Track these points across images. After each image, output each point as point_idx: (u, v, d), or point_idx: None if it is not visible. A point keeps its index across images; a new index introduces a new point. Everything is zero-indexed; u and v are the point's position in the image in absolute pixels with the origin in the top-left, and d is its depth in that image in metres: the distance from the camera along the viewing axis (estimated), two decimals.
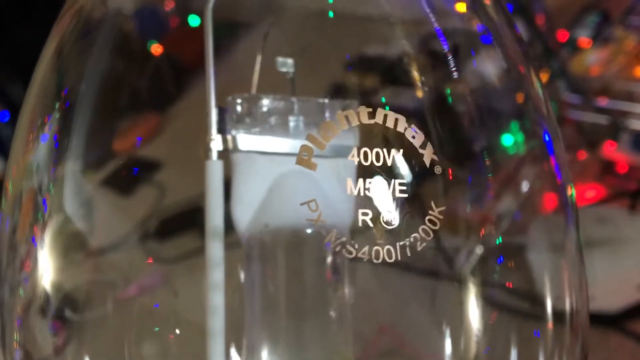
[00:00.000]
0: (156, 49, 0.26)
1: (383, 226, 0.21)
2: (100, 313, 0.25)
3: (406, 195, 0.21)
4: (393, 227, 0.21)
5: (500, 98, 0.26)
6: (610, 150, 0.57)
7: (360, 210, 0.21)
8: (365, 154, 0.21)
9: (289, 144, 0.23)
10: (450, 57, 0.24)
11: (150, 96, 0.26)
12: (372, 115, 0.21)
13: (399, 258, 0.21)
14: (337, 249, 0.21)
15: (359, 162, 0.21)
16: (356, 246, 0.21)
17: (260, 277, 0.24)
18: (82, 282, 0.25)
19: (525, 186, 0.25)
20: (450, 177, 0.23)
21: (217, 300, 0.22)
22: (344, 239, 0.21)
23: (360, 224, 0.21)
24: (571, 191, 0.25)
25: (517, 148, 0.25)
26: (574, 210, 0.25)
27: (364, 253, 0.21)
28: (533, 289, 0.24)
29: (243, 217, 0.23)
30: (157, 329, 0.24)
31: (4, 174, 0.25)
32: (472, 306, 0.24)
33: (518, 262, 0.24)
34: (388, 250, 0.21)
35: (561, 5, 0.63)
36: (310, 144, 0.21)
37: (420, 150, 0.21)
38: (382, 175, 0.21)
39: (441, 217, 0.21)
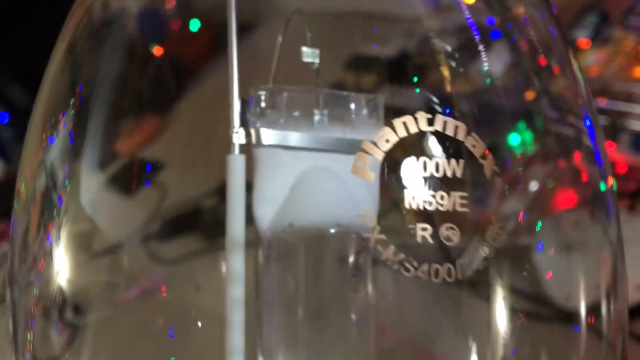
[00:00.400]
0: (157, 50, 0.26)
1: (443, 244, 0.20)
2: (103, 314, 0.25)
3: (467, 209, 0.20)
4: (453, 243, 0.20)
5: (514, 95, 0.26)
6: (610, 150, 0.57)
7: (420, 225, 0.20)
8: (425, 163, 0.20)
9: (314, 139, 0.22)
10: (454, 55, 0.24)
11: (151, 97, 0.26)
12: (431, 121, 0.20)
13: (460, 277, 0.20)
14: (396, 267, 0.20)
15: (418, 173, 0.20)
16: (415, 264, 0.20)
17: (280, 277, 0.23)
18: (87, 283, 0.25)
19: (535, 185, 0.25)
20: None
21: (237, 295, 0.22)
22: (402, 256, 0.20)
23: (419, 239, 0.20)
24: (612, 182, 0.24)
25: (526, 146, 0.25)
26: (615, 202, 0.24)
27: (423, 272, 0.20)
28: (545, 290, 0.24)
29: (265, 215, 0.22)
30: (173, 327, 0.24)
31: (5, 176, 0.25)
32: (497, 311, 0.23)
33: (535, 262, 0.24)
34: (448, 269, 0.20)
35: (560, 6, 0.63)
36: (366, 152, 0.20)
37: (481, 161, 0.20)
38: (439, 184, 0.20)
39: (501, 232, 0.20)
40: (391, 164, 0.21)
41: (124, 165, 0.26)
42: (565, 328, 0.25)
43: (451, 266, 0.20)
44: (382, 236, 0.20)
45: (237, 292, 0.22)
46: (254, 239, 0.23)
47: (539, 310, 0.25)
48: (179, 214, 0.28)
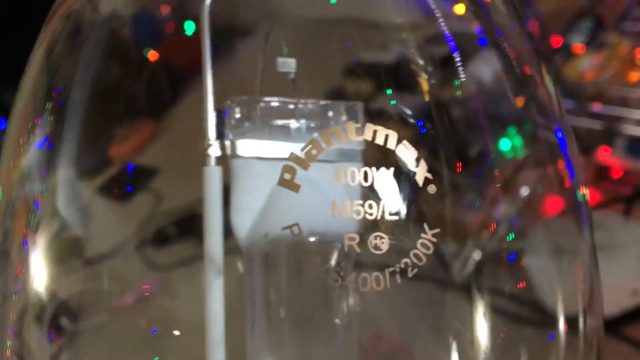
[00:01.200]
0: (152, 55, 0.26)
1: (372, 251, 0.20)
2: (96, 321, 0.25)
3: (397, 217, 0.20)
4: (381, 251, 0.20)
5: (502, 101, 0.26)
6: (605, 155, 0.57)
7: (347, 235, 0.20)
8: (353, 173, 0.20)
9: (291, 149, 0.22)
10: (448, 61, 0.24)
11: (145, 103, 0.26)
12: (360, 131, 0.20)
13: (388, 286, 0.20)
14: (323, 276, 0.20)
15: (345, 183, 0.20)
16: (342, 273, 0.20)
17: (261, 286, 0.24)
18: (77, 290, 0.25)
19: (525, 191, 0.25)
20: (452, 174, 0.22)
21: (216, 310, 0.22)
22: (330, 265, 0.20)
23: (346, 249, 0.20)
24: (584, 191, 0.24)
25: (516, 152, 0.25)
26: (588, 211, 0.24)
27: (349, 281, 0.20)
28: (536, 295, 0.24)
29: (242, 225, 0.23)
30: (155, 331, 0.24)
31: None
32: (479, 315, 0.23)
33: (524, 267, 0.24)
34: (377, 277, 0.20)
35: (555, 11, 0.63)
36: (293, 164, 0.20)
37: (413, 168, 0.20)
38: (370, 196, 0.20)
39: (435, 240, 0.20)
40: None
41: (117, 172, 0.26)
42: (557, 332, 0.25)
43: (380, 275, 0.20)
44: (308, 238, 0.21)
45: (216, 303, 0.22)
46: (234, 248, 0.23)
47: (530, 314, 0.25)
48: (173, 220, 0.28)
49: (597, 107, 0.58)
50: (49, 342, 0.24)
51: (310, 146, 0.20)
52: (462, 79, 0.24)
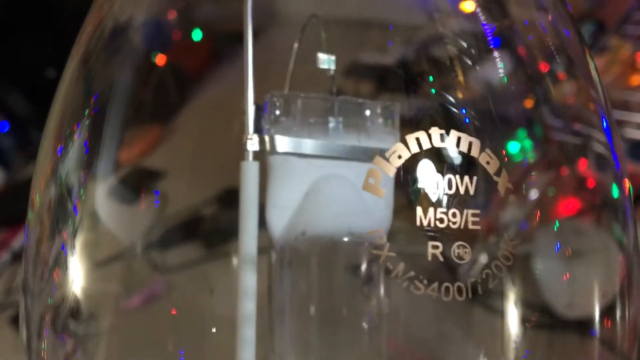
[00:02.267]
0: (159, 59, 0.26)
1: (456, 262, 0.20)
2: (108, 323, 0.25)
3: (479, 227, 0.20)
4: (464, 261, 0.20)
5: (512, 102, 0.26)
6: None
7: (431, 243, 0.20)
8: (437, 182, 0.20)
9: (328, 146, 0.22)
10: (453, 62, 0.24)
11: (154, 106, 0.26)
12: (443, 138, 0.20)
13: (470, 296, 0.20)
14: (405, 284, 0.20)
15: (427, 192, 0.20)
16: (425, 282, 0.20)
17: (292, 284, 0.23)
18: (98, 292, 0.25)
19: (534, 194, 0.25)
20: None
21: (248, 309, 0.21)
22: (412, 273, 0.20)
23: (430, 258, 0.20)
24: (628, 183, 0.24)
25: (525, 154, 0.25)
26: (632, 204, 0.24)
27: (433, 290, 0.20)
28: (545, 299, 0.24)
29: (278, 222, 0.22)
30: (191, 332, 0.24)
31: (5, 185, 0.25)
32: (487, 320, 0.23)
33: (533, 270, 0.24)
34: (459, 287, 0.20)
35: None
36: (378, 169, 0.20)
37: (495, 178, 0.20)
38: (454, 203, 0.20)
39: (514, 251, 0.20)
40: (404, 180, 0.20)
41: (126, 174, 0.26)
42: (568, 337, 0.24)
43: (462, 284, 0.20)
44: (392, 254, 0.20)
45: (249, 303, 0.21)
46: (267, 245, 0.23)
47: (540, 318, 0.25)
48: (179, 222, 0.28)
49: None
50: (69, 343, 0.23)
51: (395, 150, 0.20)
52: (472, 80, 0.24)
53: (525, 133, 0.25)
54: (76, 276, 0.22)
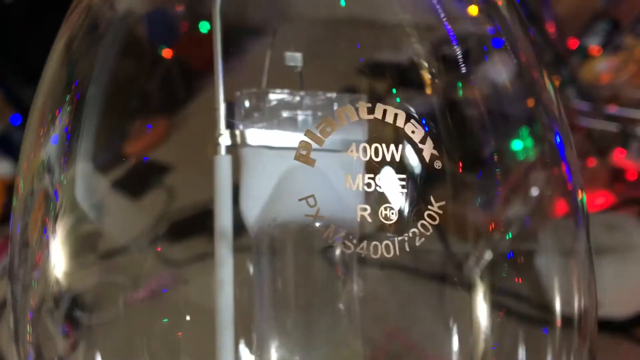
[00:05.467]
0: (166, 52, 0.26)
1: (382, 221, 0.21)
2: (110, 315, 0.25)
3: (405, 190, 0.21)
4: (391, 221, 0.21)
5: (512, 102, 0.26)
6: (620, 157, 0.57)
7: (359, 206, 0.21)
8: (364, 149, 0.21)
9: (297, 139, 0.23)
10: (461, 62, 0.24)
11: (159, 99, 0.26)
12: (371, 110, 0.21)
13: (397, 253, 0.21)
14: (336, 243, 0.21)
15: (358, 157, 0.21)
16: (354, 241, 0.21)
17: (269, 271, 0.24)
18: (92, 284, 0.25)
19: (534, 191, 0.25)
20: (459, 173, 0.23)
21: (225, 295, 0.22)
22: (342, 233, 0.21)
23: (358, 219, 0.21)
24: (581, 196, 0.25)
25: (526, 153, 0.25)
26: (585, 215, 0.25)
27: (362, 248, 0.21)
28: (542, 294, 0.24)
29: (251, 211, 0.23)
30: (166, 320, 0.24)
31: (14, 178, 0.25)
32: (481, 310, 0.24)
33: (526, 267, 0.24)
34: (387, 245, 0.21)
35: (571, 13, 0.63)
36: (308, 140, 0.21)
37: (420, 145, 0.21)
38: (379, 171, 0.21)
39: (440, 212, 0.21)
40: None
41: (132, 167, 0.26)
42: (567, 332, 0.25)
43: (389, 243, 0.21)
44: (324, 216, 0.21)
45: (226, 288, 0.22)
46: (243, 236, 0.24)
47: (540, 314, 0.25)
48: (186, 216, 0.28)
49: (612, 109, 0.58)
50: (63, 335, 0.24)
51: (324, 123, 0.21)
52: (476, 79, 0.25)
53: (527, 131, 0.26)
54: (57, 261, 0.23)
